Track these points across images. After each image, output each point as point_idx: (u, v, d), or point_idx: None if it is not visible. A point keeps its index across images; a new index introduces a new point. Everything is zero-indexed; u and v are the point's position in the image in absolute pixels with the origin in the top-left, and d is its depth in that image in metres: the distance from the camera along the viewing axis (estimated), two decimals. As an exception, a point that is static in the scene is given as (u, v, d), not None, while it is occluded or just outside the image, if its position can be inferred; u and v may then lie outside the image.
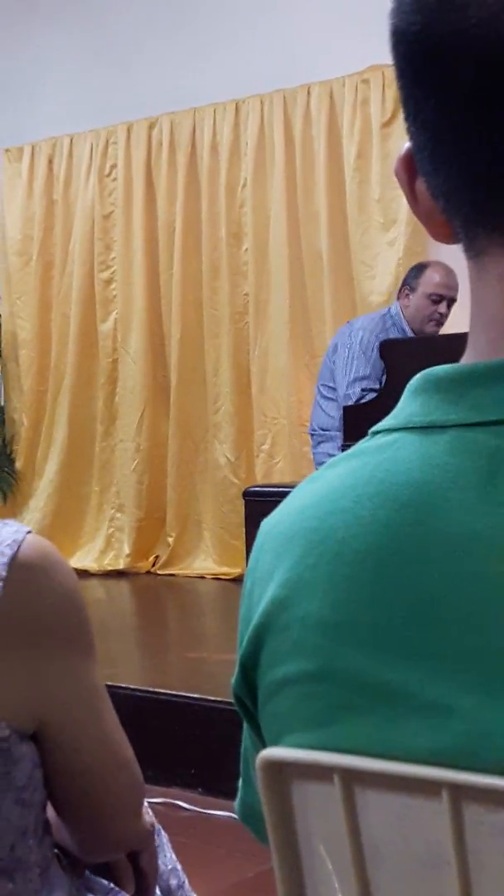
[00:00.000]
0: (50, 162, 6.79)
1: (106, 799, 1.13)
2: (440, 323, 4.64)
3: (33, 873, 1.08)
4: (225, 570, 6.00)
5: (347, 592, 0.67)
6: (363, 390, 4.47)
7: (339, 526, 0.68)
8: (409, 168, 0.73)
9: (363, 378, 4.46)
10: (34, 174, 6.84)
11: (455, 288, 4.56)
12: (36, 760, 1.07)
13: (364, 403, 4.32)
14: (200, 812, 3.16)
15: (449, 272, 4.60)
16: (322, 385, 4.81)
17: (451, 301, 4.61)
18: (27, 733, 1.06)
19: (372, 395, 4.38)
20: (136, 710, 3.32)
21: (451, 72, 0.66)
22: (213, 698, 3.44)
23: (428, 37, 0.66)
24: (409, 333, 4.65)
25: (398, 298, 4.78)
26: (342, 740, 0.66)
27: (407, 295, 4.70)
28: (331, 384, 4.75)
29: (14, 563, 1.03)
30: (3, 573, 1.02)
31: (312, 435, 4.88)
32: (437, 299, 4.60)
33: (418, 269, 4.70)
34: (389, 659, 0.64)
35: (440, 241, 0.75)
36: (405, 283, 4.75)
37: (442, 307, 4.61)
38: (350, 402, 4.50)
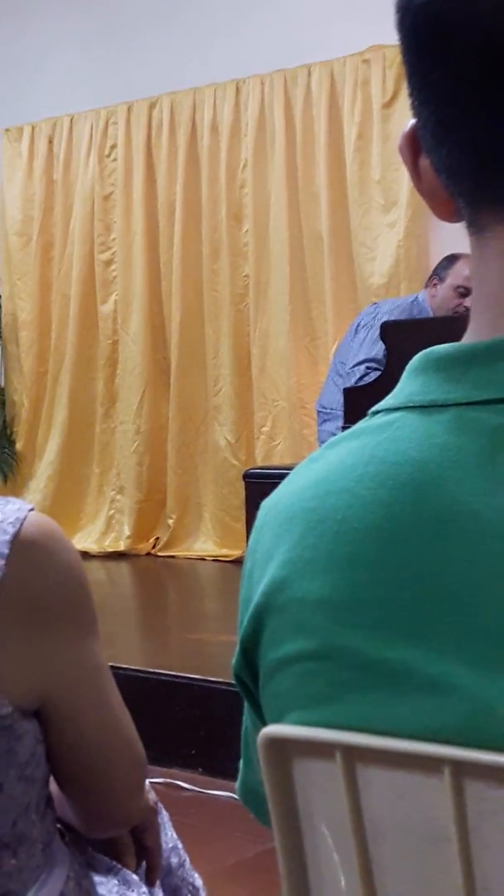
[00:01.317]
0: (50, 142, 6.77)
1: (109, 775, 1.13)
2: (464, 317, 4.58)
3: (36, 849, 1.09)
4: (225, 551, 6.01)
5: (348, 572, 0.67)
6: (368, 368, 4.44)
7: (340, 506, 0.68)
8: (413, 145, 0.73)
9: (373, 360, 4.42)
10: (34, 154, 6.82)
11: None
12: (38, 736, 1.07)
13: (365, 385, 4.31)
14: (200, 792, 3.17)
15: None
16: (340, 362, 4.76)
17: None
18: (30, 710, 1.06)
19: (375, 374, 4.34)
20: (136, 690, 3.32)
21: (457, 45, 0.66)
22: (213, 679, 3.45)
23: (433, 10, 0.66)
24: None
25: (426, 287, 4.73)
26: (343, 718, 0.66)
27: (435, 284, 4.64)
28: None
29: (17, 540, 1.03)
30: (6, 550, 1.02)
31: (319, 412, 4.86)
32: (463, 292, 4.53)
33: (449, 260, 4.62)
34: (390, 637, 0.64)
35: (443, 219, 0.74)
36: (435, 272, 4.68)
37: (468, 301, 4.51)
38: (352, 380, 4.47)
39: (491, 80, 0.65)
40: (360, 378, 4.45)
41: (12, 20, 6.82)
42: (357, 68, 5.63)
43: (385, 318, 4.54)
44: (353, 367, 4.54)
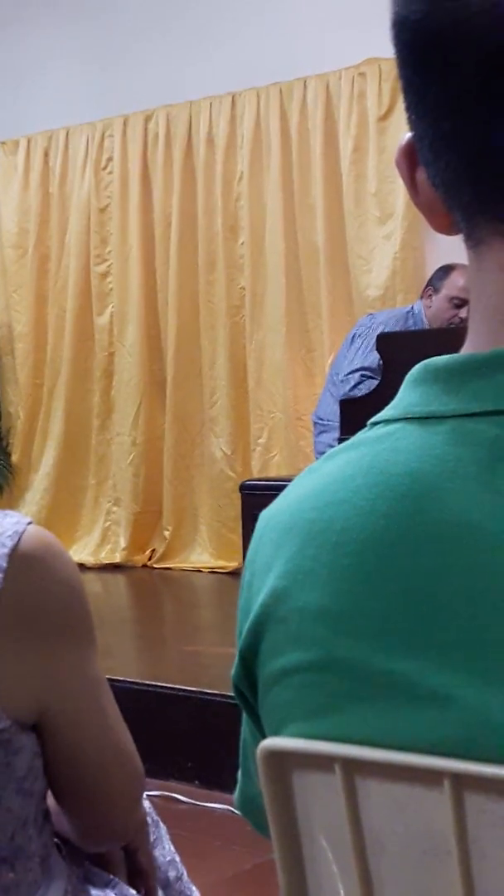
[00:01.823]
0: (46, 155, 6.78)
1: (106, 788, 1.13)
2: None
3: (33, 862, 1.08)
4: (221, 563, 6.01)
5: (347, 583, 0.67)
6: (362, 376, 4.43)
7: (339, 517, 0.68)
8: (410, 158, 0.73)
9: (367, 369, 4.42)
10: (30, 167, 6.83)
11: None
12: (36, 750, 1.07)
13: (361, 396, 4.31)
14: (197, 805, 3.16)
15: None
16: (335, 373, 4.77)
17: None
18: (28, 724, 1.06)
19: (370, 383, 4.34)
20: (132, 703, 3.31)
21: (453, 60, 0.66)
22: (209, 691, 3.44)
23: (430, 25, 0.66)
24: None
25: (421, 297, 4.73)
26: (343, 730, 0.66)
27: (430, 295, 4.64)
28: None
29: (15, 553, 1.03)
30: (4, 564, 1.02)
31: (316, 423, 4.86)
32: (458, 303, 4.52)
33: (444, 271, 4.61)
34: (390, 649, 0.64)
35: (441, 233, 0.74)
36: (430, 283, 4.68)
37: (463, 312, 4.48)
38: (347, 387, 4.47)
39: (489, 94, 0.65)
40: (355, 386, 4.45)
41: (8, 33, 6.84)
42: (353, 81, 5.65)
43: (381, 329, 4.54)
44: (348, 374, 4.53)
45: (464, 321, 4.22)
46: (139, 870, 1.24)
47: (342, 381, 4.55)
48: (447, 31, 0.65)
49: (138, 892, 1.24)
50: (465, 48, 0.65)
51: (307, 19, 5.73)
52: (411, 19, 0.67)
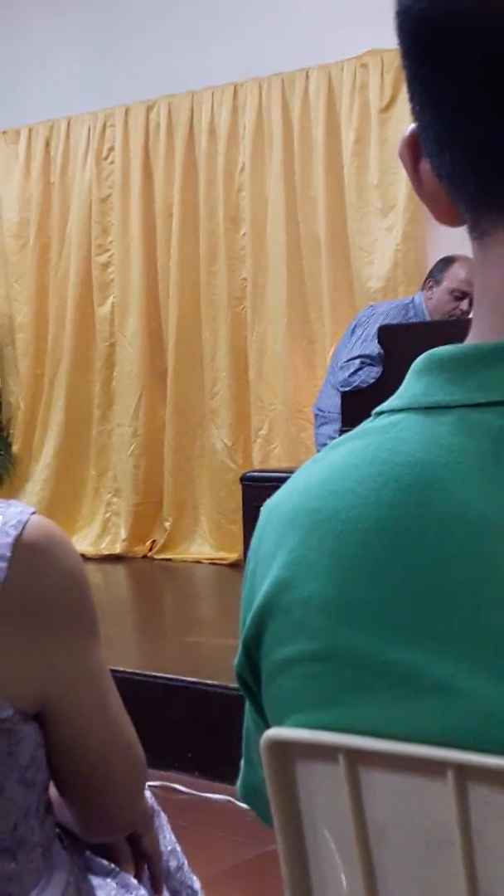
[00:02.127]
0: (47, 144, 6.77)
1: (109, 779, 1.13)
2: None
3: (35, 853, 1.08)
4: (222, 554, 6.01)
5: (351, 573, 0.67)
6: (362, 363, 4.42)
7: (343, 506, 0.68)
8: (414, 149, 0.72)
9: (367, 356, 4.41)
10: (31, 156, 6.82)
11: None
12: (39, 740, 1.07)
13: (362, 389, 4.30)
14: (198, 795, 3.17)
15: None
16: (336, 364, 4.77)
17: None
18: (30, 713, 1.06)
19: (369, 370, 4.33)
20: (133, 693, 3.31)
21: (457, 51, 0.65)
22: (210, 682, 3.45)
23: (434, 15, 0.66)
24: None
25: (422, 289, 4.72)
26: (347, 720, 0.66)
27: (431, 287, 4.63)
28: None
29: (19, 543, 1.03)
30: (8, 553, 1.02)
31: (317, 415, 4.86)
32: (459, 296, 4.52)
33: (445, 263, 4.61)
34: (394, 639, 0.64)
35: (444, 224, 0.74)
36: (431, 274, 4.68)
37: (464, 304, 4.49)
38: (346, 373, 4.47)
39: (495, 85, 0.65)
40: (354, 372, 4.44)
41: (10, 23, 6.82)
42: (355, 72, 5.63)
43: (381, 319, 4.54)
44: (347, 361, 4.53)
45: (465, 313, 4.20)
46: (144, 854, 1.24)
47: (341, 368, 4.55)
48: (452, 22, 0.65)
49: (141, 876, 1.24)
50: (470, 39, 0.65)
51: (309, 10, 5.72)
52: (415, 9, 0.67)
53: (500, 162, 0.66)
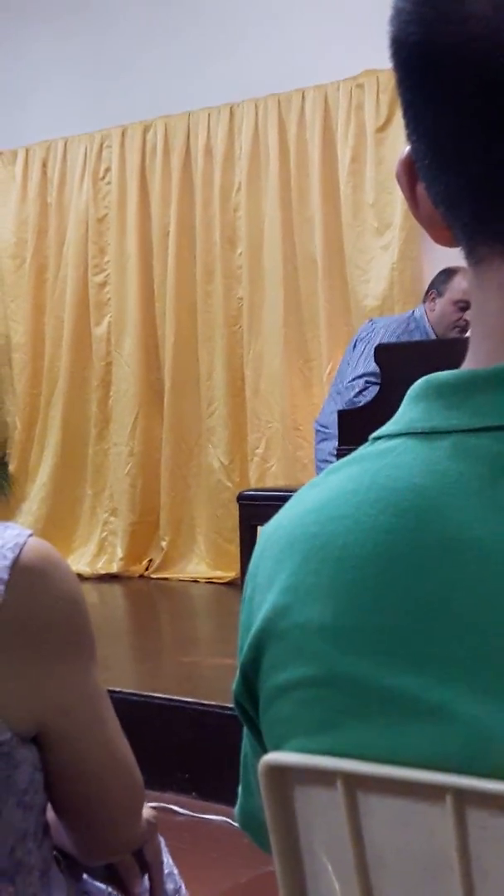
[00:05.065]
0: (44, 165, 6.79)
1: (106, 802, 1.13)
2: (464, 329, 4.60)
3: (33, 876, 1.08)
4: (218, 573, 6.00)
5: (349, 598, 0.67)
6: (367, 382, 4.44)
7: (341, 532, 0.68)
8: (410, 172, 0.73)
9: (372, 374, 4.42)
10: (28, 177, 6.84)
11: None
12: (37, 763, 1.07)
13: (359, 407, 4.31)
14: (194, 816, 3.15)
15: None
16: (340, 381, 4.78)
17: None
18: (28, 736, 1.06)
19: (374, 389, 4.34)
20: (129, 714, 3.30)
21: (451, 84, 0.66)
22: (206, 702, 3.44)
23: (427, 48, 0.66)
24: (433, 336, 4.62)
25: (424, 301, 4.74)
26: (345, 745, 0.66)
27: (433, 299, 4.66)
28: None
29: (16, 566, 1.03)
30: (6, 576, 1.02)
31: (318, 431, 4.87)
32: (464, 307, 4.54)
33: (447, 275, 4.64)
34: (392, 664, 0.64)
35: (442, 245, 0.75)
36: (432, 286, 4.70)
37: (468, 314, 4.54)
38: (351, 393, 4.48)
39: (488, 117, 0.65)
40: (360, 392, 4.46)
41: (7, 43, 6.85)
42: (351, 92, 5.66)
43: (382, 332, 4.57)
44: (352, 380, 4.55)
45: (469, 323, 4.23)
46: (144, 863, 1.24)
47: (346, 388, 4.56)
48: (446, 54, 0.65)
49: (140, 887, 1.24)
50: (464, 71, 0.65)
51: (305, 31, 5.75)
52: (409, 41, 0.67)
53: (495, 191, 0.67)
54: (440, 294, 4.63)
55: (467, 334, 0.79)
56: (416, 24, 0.67)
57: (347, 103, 5.67)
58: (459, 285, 4.53)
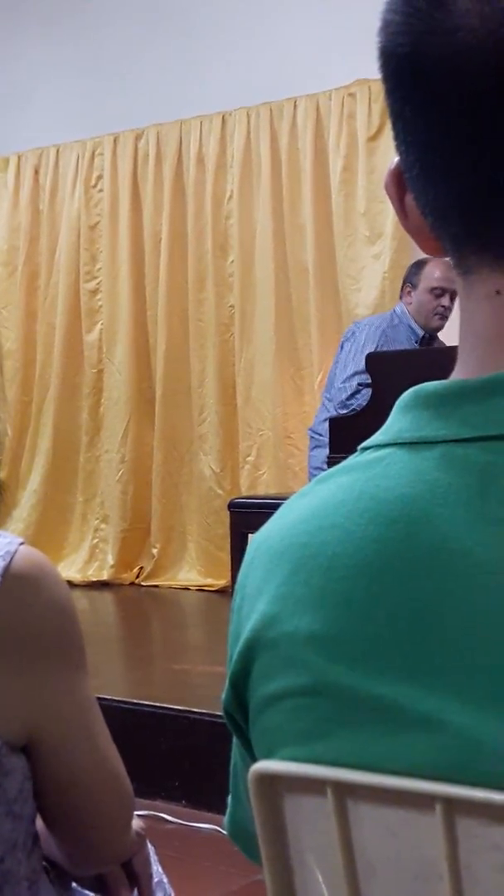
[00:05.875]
0: (36, 172, 6.79)
1: (96, 812, 1.12)
2: (444, 316, 4.67)
3: (22, 886, 1.08)
4: (209, 581, 6.00)
5: (338, 608, 0.67)
6: (360, 384, 4.47)
7: (330, 542, 0.68)
8: (399, 183, 0.73)
9: (362, 372, 4.44)
10: (20, 184, 6.84)
11: (455, 281, 4.54)
12: (27, 773, 1.07)
13: (350, 415, 4.32)
14: (185, 825, 3.15)
15: (448, 266, 4.56)
16: (331, 385, 4.81)
17: (454, 294, 4.62)
18: (18, 745, 1.05)
19: (367, 391, 4.35)
20: (119, 721, 3.30)
21: (439, 95, 0.66)
22: (197, 710, 3.43)
23: (416, 60, 0.66)
24: (417, 329, 4.67)
25: (401, 298, 4.81)
26: (334, 754, 0.66)
27: (409, 292, 4.73)
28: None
29: (7, 574, 1.03)
30: None
31: (311, 437, 4.89)
32: (439, 293, 4.64)
33: (418, 266, 4.72)
34: (381, 674, 0.64)
35: (430, 255, 0.75)
36: (406, 280, 4.77)
37: (445, 300, 4.64)
38: (343, 395, 4.50)
39: (476, 129, 0.65)
40: (352, 395, 4.48)
41: (0, 51, 6.85)
42: (343, 102, 5.67)
43: (366, 329, 4.64)
44: (344, 381, 4.57)
45: (447, 309, 4.31)
46: (132, 874, 1.23)
47: (339, 390, 4.59)
48: (434, 65, 0.66)
49: None
50: (452, 84, 0.65)
51: (298, 40, 5.76)
52: (397, 53, 0.68)
53: (483, 201, 0.67)
54: (414, 286, 4.71)
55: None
56: (404, 36, 0.67)
57: (339, 112, 5.68)
58: (432, 273, 4.63)
